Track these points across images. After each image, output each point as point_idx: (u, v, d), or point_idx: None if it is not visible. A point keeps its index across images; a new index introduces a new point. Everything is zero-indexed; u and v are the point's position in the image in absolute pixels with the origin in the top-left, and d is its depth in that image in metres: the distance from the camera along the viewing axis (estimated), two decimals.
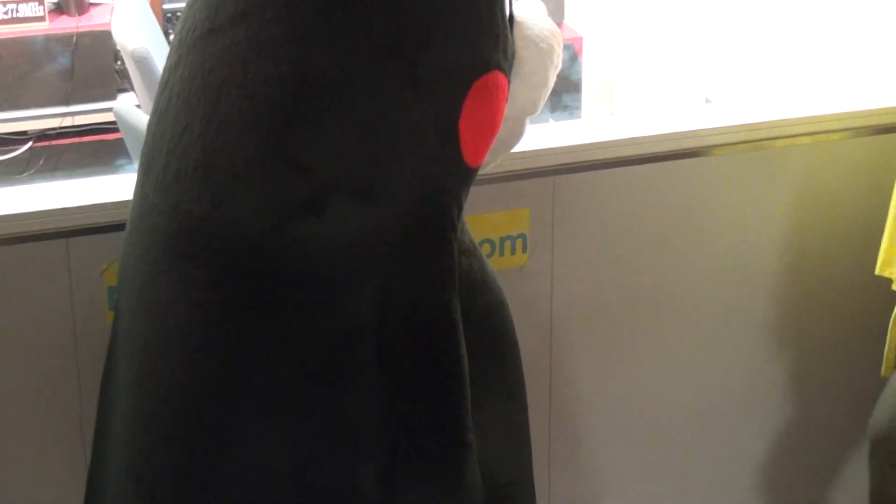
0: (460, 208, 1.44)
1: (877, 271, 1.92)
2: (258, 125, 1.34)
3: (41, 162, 3.48)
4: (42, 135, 3.48)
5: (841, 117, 2.07)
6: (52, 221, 1.73)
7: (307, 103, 1.33)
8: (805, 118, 2.07)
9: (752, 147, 2.06)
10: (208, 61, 1.38)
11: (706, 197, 2.07)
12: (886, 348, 1.91)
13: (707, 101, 3.08)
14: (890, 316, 1.89)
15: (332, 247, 1.36)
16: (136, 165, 2.64)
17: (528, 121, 1.55)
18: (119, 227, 1.74)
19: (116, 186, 1.80)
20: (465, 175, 1.42)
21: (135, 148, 2.65)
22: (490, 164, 1.53)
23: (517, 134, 1.55)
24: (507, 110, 1.45)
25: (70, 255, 1.75)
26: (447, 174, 1.40)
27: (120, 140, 2.79)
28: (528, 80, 1.49)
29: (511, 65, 1.46)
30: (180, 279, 1.39)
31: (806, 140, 2.06)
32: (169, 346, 1.41)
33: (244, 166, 1.34)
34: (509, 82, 1.45)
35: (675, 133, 2.02)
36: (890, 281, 1.90)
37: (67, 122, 3.49)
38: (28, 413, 1.79)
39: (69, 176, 1.73)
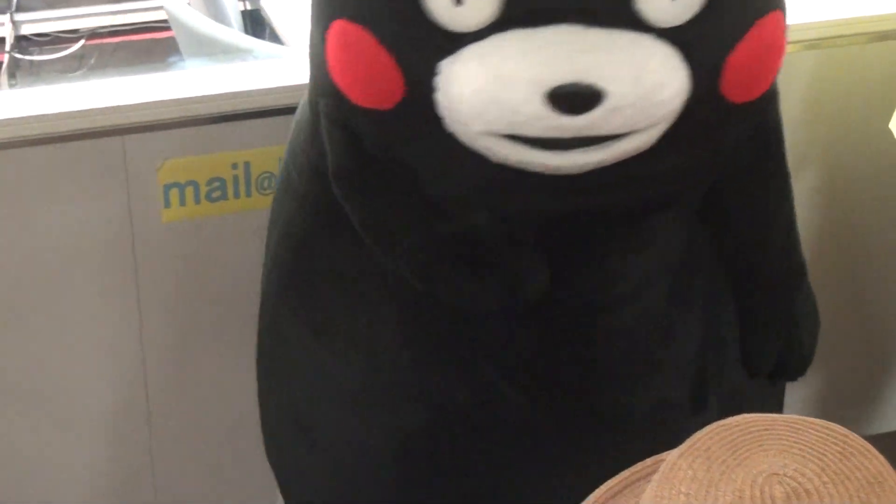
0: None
1: (891, 123, 1.87)
2: None
3: (93, 60, 3.49)
4: (93, 33, 3.49)
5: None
6: (107, 119, 1.73)
7: None
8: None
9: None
10: None
11: None
12: None
13: None
14: None
15: None
16: (187, 62, 2.65)
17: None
18: (174, 124, 1.76)
19: (171, 84, 1.80)
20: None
21: (186, 45, 2.65)
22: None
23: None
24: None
25: (126, 153, 1.76)
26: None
27: (171, 38, 2.79)
28: None
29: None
30: None
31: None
32: None
33: None
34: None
35: None
36: None
37: (119, 19, 3.49)
38: (85, 306, 1.83)
39: (121, 74, 1.74)
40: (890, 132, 1.91)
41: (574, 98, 1.19)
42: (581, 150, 1.25)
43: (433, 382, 1.47)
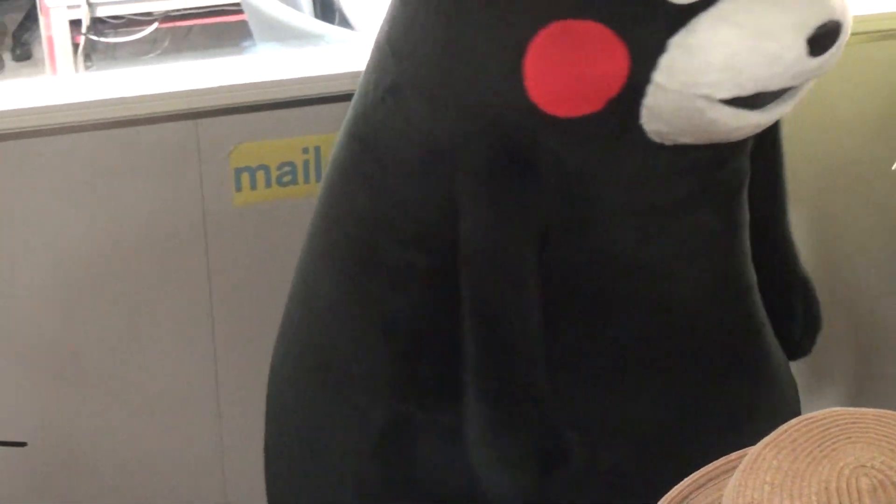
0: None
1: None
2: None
3: (166, 43, 3.53)
4: (167, 16, 3.51)
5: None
6: (181, 103, 1.75)
7: None
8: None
9: None
10: None
11: None
12: None
13: None
14: None
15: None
16: (259, 46, 2.67)
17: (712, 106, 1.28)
18: (246, 109, 1.76)
19: (244, 68, 1.81)
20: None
21: (259, 29, 2.67)
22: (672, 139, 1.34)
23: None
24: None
25: (199, 137, 1.77)
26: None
27: (244, 21, 2.80)
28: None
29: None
30: None
31: None
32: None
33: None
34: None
35: None
36: None
37: (192, 2, 3.51)
38: (157, 289, 1.84)
39: (194, 57, 1.75)
40: (889, 135, 1.86)
41: (830, 36, 1.26)
42: (775, 103, 1.30)
43: (637, 412, 1.44)
